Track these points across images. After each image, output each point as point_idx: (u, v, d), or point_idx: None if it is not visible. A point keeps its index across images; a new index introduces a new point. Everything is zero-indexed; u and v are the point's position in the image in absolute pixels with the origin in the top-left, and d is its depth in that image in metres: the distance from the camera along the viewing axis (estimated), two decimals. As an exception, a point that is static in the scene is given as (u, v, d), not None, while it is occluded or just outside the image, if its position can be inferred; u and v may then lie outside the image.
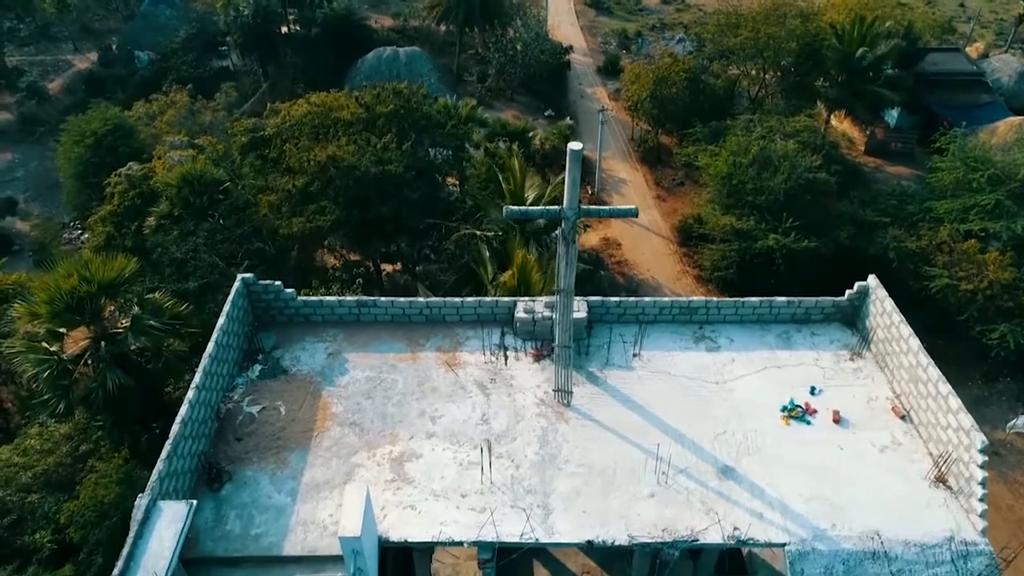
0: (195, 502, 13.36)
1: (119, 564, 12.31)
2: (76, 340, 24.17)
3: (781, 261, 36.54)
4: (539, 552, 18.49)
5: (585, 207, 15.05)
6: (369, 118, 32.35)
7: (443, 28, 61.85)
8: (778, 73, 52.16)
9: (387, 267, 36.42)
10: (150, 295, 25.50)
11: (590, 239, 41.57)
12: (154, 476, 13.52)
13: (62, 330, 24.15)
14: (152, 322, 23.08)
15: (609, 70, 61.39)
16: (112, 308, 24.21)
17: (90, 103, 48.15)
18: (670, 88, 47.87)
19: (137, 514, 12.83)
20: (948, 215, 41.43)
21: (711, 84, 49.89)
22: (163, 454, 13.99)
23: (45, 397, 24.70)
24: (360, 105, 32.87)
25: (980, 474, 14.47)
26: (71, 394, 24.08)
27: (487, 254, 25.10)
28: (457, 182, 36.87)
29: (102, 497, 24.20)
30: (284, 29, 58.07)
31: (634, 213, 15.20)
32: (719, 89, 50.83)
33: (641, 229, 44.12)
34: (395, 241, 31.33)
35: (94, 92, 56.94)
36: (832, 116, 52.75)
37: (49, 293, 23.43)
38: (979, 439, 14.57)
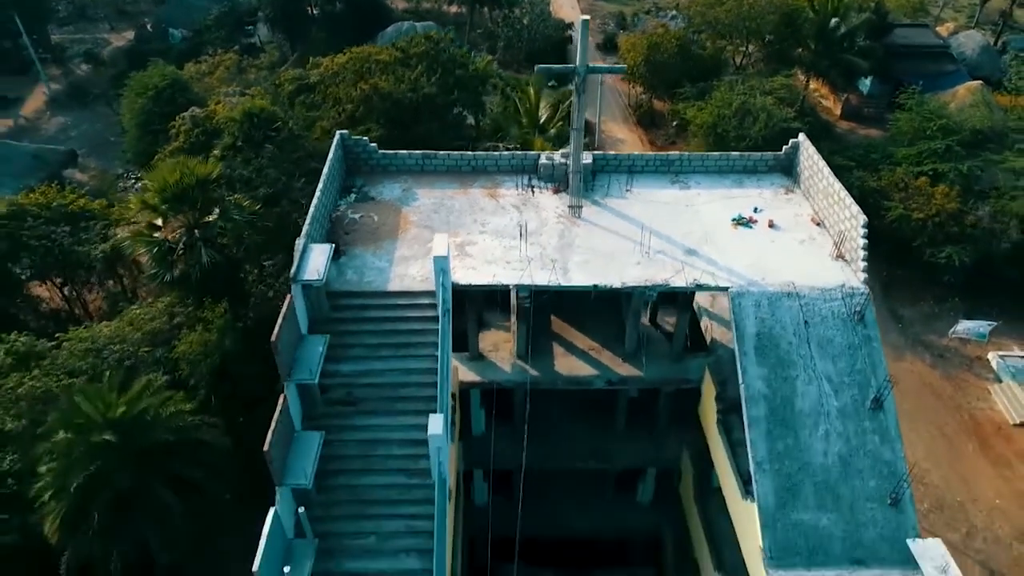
0: (332, 245, 21.02)
1: (293, 269, 19.88)
2: (171, 229, 31.93)
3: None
4: (554, 336, 26.01)
5: (592, 65, 22.82)
6: (403, 58, 40.16)
7: (454, 8, 69.98)
8: (760, 44, 60.20)
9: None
10: (230, 196, 33.47)
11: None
12: (304, 231, 21.11)
13: (158, 222, 31.97)
14: (235, 214, 30.59)
15: (608, 47, 69.55)
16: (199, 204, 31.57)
17: (130, 75, 54.79)
18: (662, 54, 55.86)
19: (298, 250, 20.38)
20: (906, 159, 49.53)
21: (699, 53, 57.84)
22: (306, 224, 21.57)
23: (154, 271, 32.53)
24: (395, 48, 40.73)
25: (862, 242, 22.15)
26: (172, 270, 31.86)
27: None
28: (474, 120, 44.39)
29: (206, 340, 32.09)
30: (309, 8, 66.09)
31: (623, 70, 22.89)
32: (707, 57, 58.77)
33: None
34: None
35: (134, 65, 64.58)
36: (810, 83, 60.70)
37: (160, 184, 31.38)
38: (862, 219, 22.29)
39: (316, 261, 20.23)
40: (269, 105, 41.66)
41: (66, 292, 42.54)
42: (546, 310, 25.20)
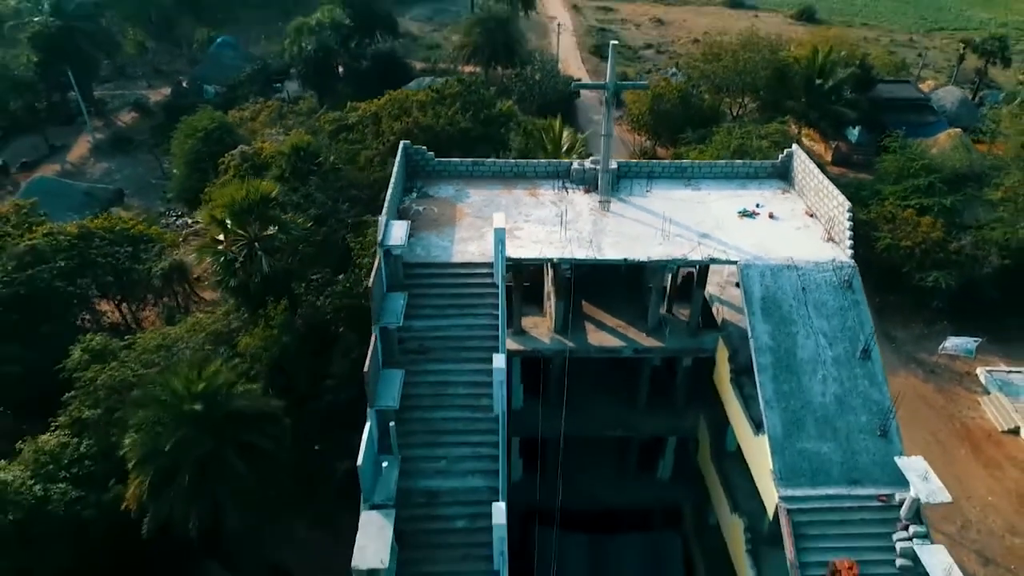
0: (409, 222, 25.67)
1: (379, 238, 24.46)
2: (231, 243, 36.74)
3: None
4: (585, 316, 30.42)
5: (619, 82, 27.94)
6: (439, 98, 45.71)
7: (469, 68, 76.40)
8: (755, 96, 66.36)
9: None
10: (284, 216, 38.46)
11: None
12: (384, 211, 25.80)
13: (220, 237, 36.83)
14: (291, 229, 35.45)
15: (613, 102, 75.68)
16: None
17: (176, 124, 58.93)
18: (666, 104, 61.73)
19: (381, 224, 25.02)
20: (893, 195, 54.91)
21: (699, 104, 63.83)
22: (384, 207, 26.23)
23: (218, 278, 37.28)
24: (432, 90, 46.32)
25: (848, 224, 26.85)
26: (235, 277, 36.60)
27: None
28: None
29: (267, 335, 36.50)
30: (339, 66, 72.43)
31: (646, 86, 28.01)
32: (706, 108, 64.77)
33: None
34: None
35: (172, 117, 70.50)
36: (802, 132, 66.69)
37: (228, 200, 36.45)
38: (847, 205, 27.06)
39: (397, 232, 24.88)
40: (314, 141, 47.00)
41: (123, 309, 46.99)
42: (577, 295, 29.64)
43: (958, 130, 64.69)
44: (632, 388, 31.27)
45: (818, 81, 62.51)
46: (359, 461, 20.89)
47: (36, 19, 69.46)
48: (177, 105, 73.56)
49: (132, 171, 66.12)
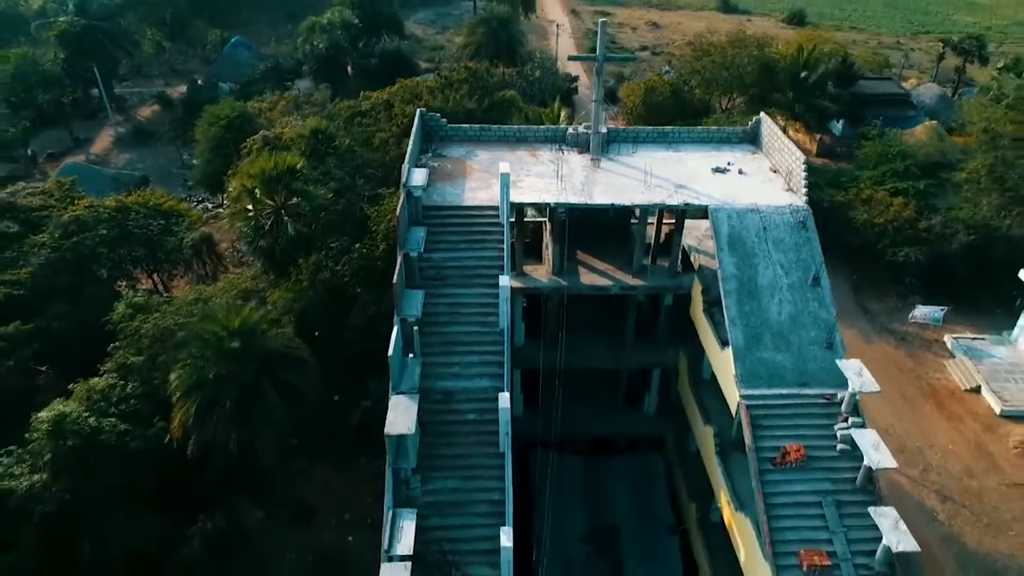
0: (427, 169, 30.89)
1: (403, 180, 29.64)
2: (259, 212, 41.89)
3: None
4: (579, 262, 35.55)
5: (609, 54, 33.25)
6: (447, 84, 51.03)
7: (471, 65, 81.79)
8: (743, 91, 71.73)
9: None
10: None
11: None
12: (406, 162, 30.98)
13: (249, 207, 41.97)
14: (314, 199, 40.58)
15: (609, 98, 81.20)
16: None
17: (198, 114, 64.33)
18: (658, 96, 67.13)
19: (404, 171, 30.22)
20: (870, 180, 60.24)
21: (690, 97, 69.24)
22: (405, 160, 31.41)
23: (249, 240, 42.50)
24: (440, 76, 51.67)
25: (803, 175, 32.04)
26: (262, 240, 41.80)
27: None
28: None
29: (297, 287, 41.58)
30: (348, 65, 77.98)
31: (633, 59, 33.31)
32: (696, 101, 70.17)
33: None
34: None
35: (190, 112, 75.90)
36: (788, 127, 72.01)
37: (258, 170, 41.71)
38: (803, 158, 32.26)
39: (418, 176, 30.15)
40: (330, 125, 52.23)
41: (155, 279, 52.10)
42: (572, 244, 34.78)
43: (934, 122, 70.14)
44: (621, 327, 36.39)
45: (803, 74, 67.89)
46: (389, 353, 25.96)
47: (62, 18, 75.09)
48: (195, 100, 79.07)
49: (153, 161, 71.45)
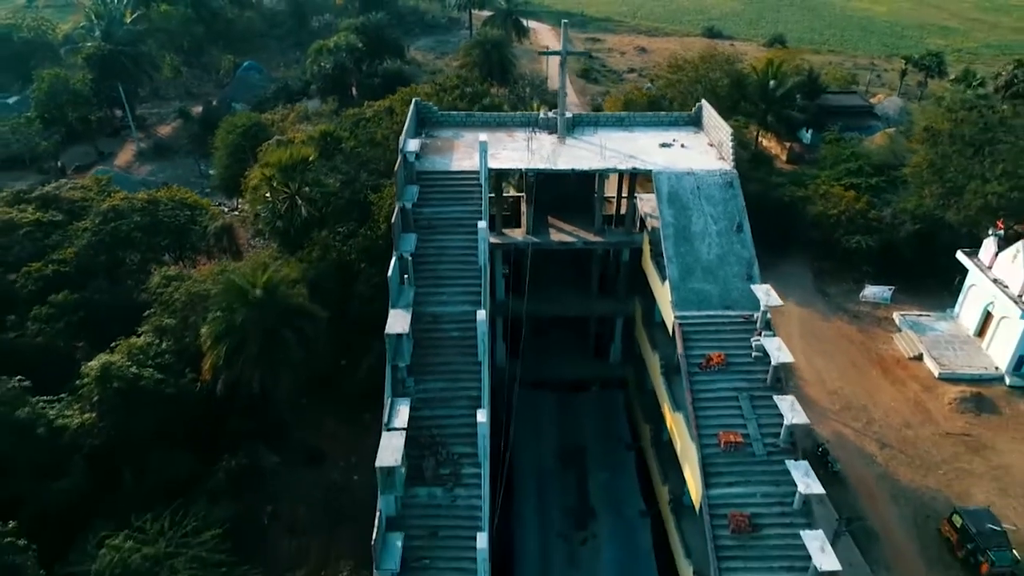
0: (422, 140, 38.71)
1: (400, 146, 37.44)
2: (275, 198, 49.79)
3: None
4: (550, 224, 43.21)
5: (571, 49, 41.28)
6: (440, 90, 59.28)
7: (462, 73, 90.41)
8: (716, 103, 79.69)
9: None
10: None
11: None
12: (402, 137, 38.79)
13: (267, 195, 49.77)
14: (324, 186, 48.38)
15: (595, 111, 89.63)
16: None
17: (208, 135, 72.83)
18: (636, 108, 75.18)
19: (402, 141, 38.05)
20: (828, 177, 68.12)
21: (667, 107, 77.21)
22: (402, 135, 39.23)
23: (266, 219, 50.30)
24: (436, 84, 59.96)
25: (731, 145, 39.77)
26: (278, 222, 49.59)
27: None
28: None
29: (310, 257, 49.08)
30: (353, 86, 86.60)
31: (587, 54, 41.37)
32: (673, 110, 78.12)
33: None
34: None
35: (206, 128, 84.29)
36: (760, 136, 80.00)
37: (277, 159, 49.77)
38: (730, 131, 40.02)
39: (412, 144, 38.14)
40: (337, 129, 60.33)
41: (181, 264, 59.83)
42: (544, 211, 42.38)
43: (892, 129, 78.24)
44: (587, 281, 44.00)
45: (772, 83, 76.04)
46: (389, 275, 33.54)
47: (89, 43, 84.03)
48: (211, 117, 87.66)
49: (173, 172, 79.68)
